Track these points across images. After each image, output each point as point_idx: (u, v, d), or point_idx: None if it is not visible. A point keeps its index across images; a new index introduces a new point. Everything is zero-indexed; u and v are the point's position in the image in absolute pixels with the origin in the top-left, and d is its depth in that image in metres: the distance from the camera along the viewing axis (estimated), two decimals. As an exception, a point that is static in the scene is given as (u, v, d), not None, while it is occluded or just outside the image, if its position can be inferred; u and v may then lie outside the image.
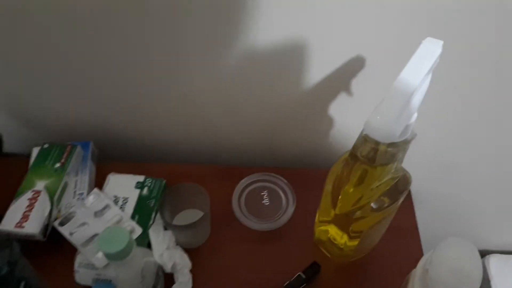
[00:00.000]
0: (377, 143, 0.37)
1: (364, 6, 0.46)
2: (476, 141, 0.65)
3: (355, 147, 0.41)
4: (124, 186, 0.59)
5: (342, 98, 0.58)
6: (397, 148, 0.39)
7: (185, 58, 0.54)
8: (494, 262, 0.86)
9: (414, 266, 0.47)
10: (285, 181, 0.59)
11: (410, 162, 0.46)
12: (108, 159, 0.66)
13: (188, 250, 0.54)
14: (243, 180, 0.59)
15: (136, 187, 0.58)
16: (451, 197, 0.77)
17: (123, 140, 0.70)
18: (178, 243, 0.53)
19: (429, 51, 0.36)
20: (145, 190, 0.58)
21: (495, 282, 0.83)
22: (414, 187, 0.54)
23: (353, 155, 0.42)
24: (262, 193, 0.58)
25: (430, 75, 0.37)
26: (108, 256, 0.38)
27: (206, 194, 0.53)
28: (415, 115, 0.38)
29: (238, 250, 0.56)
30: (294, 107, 0.61)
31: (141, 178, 0.59)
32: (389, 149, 0.38)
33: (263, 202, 0.58)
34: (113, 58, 0.55)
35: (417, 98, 0.36)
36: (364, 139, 0.38)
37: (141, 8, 0.48)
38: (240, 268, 0.55)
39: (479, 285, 0.30)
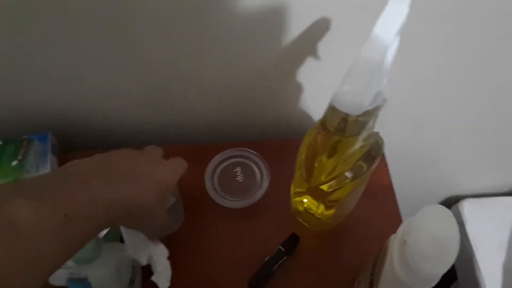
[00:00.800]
0: (346, 114, 0.35)
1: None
2: (444, 96, 0.65)
3: (324, 118, 0.39)
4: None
5: (310, 63, 0.56)
6: (368, 116, 0.37)
7: (142, 27, 0.50)
8: (467, 207, 0.89)
9: (392, 227, 0.47)
10: (258, 154, 0.57)
11: (380, 123, 0.45)
12: (70, 149, 0.62)
13: (164, 237, 0.52)
14: (214, 158, 0.57)
15: (103, 176, 0.55)
16: (423, 151, 0.78)
17: (84, 127, 0.66)
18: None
19: (396, 11, 0.33)
20: (112, 179, 0.55)
21: (469, 225, 0.86)
22: (386, 146, 0.54)
23: (323, 126, 0.40)
24: (235, 170, 0.57)
25: (398, 37, 0.34)
26: (75, 260, 0.36)
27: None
28: (385, 80, 0.36)
29: (215, 231, 0.55)
30: (262, 76, 0.59)
31: (107, 166, 0.56)
32: (360, 118, 0.37)
33: (237, 178, 0.56)
34: (64, 37, 0.51)
35: (386, 63, 0.34)
36: (332, 110, 0.37)
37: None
38: (219, 248, 0.54)
39: (457, 252, 0.30)
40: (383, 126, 0.46)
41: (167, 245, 0.51)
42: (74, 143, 0.66)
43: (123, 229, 0.50)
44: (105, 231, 0.50)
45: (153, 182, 0.37)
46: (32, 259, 0.26)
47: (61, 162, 0.60)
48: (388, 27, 0.32)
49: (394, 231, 0.45)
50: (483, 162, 0.84)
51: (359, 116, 0.36)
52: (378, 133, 0.45)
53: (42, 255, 0.26)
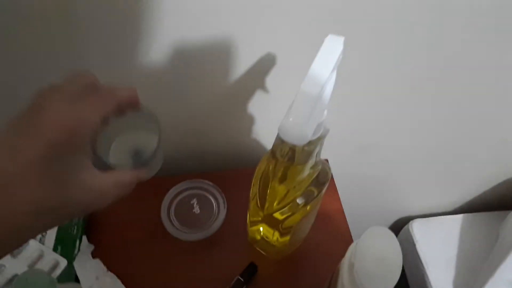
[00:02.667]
0: (293, 145, 0.38)
1: (276, 8, 0.47)
2: (388, 120, 0.69)
3: (273, 148, 0.42)
4: (41, 216, 0.54)
5: (259, 95, 0.59)
6: (313, 146, 0.40)
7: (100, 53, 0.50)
8: (417, 227, 0.94)
9: (345, 250, 0.49)
10: (214, 185, 0.58)
11: (328, 149, 0.48)
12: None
13: (120, 273, 0.51)
14: (170, 191, 0.58)
15: (55, 215, 0.54)
16: (371, 174, 0.82)
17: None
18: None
19: (332, 48, 0.36)
20: (65, 218, 0.54)
21: (419, 245, 0.91)
22: (335, 171, 0.56)
23: (273, 155, 0.42)
24: (192, 202, 0.57)
25: (335, 71, 0.38)
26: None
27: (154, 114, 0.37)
28: (325, 112, 0.39)
29: (173, 264, 0.55)
30: (214, 108, 0.61)
31: (58, 205, 0.55)
32: (305, 148, 0.39)
33: (194, 210, 0.56)
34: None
35: (325, 96, 0.37)
36: (280, 141, 0.39)
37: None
38: (178, 281, 0.54)
39: (400, 270, 0.32)
40: (330, 151, 0.49)
41: (124, 281, 0.51)
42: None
43: (77, 268, 0.49)
44: (61, 269, 0.49)
45: (26, 165, 0.24)
46: None
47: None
48: (325, 64, 0.35)
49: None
50: (429, 182, 0.90)
51: (304, 146, 0.38)
52: (325, 160, 0.48)
53: None
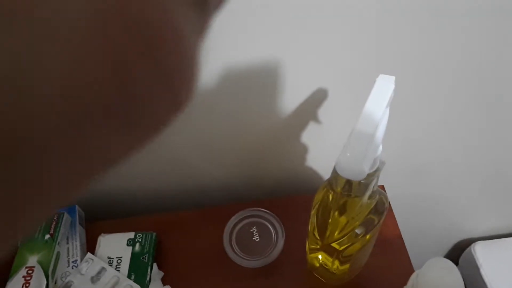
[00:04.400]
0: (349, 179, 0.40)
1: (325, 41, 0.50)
2: (440, 142, 0.69)
3: (330, 181, 0.44)
4: (116, 245, 0.59)
5: (312, 126, 0.61)
6: (370, 179, 0.41)
7: None
8: (480, 249, 0.90)
9: (404, 276, 0.49)
10: (272, 214, 0.61)
11: (383, 174, 0.49)
12: (94, 219, 0.67)
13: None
14: (231, 220, 0.61)
15: (128, 244, 0.59)
16: (427, 197, 0.81)
17: (106, 198, 0.71)
18: None
19: (384, 87, 0.39)
20: (137, 246, 0.59)
21: (484, 268, 0.87)
22: (391, 196, 0.57)
23: (330, 187, 0.44)
24: (251, 229, 0.60)
25: (388, 109, 0.39)
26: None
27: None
28: (380, 147, 0.40)
29: (237, 290, 0.58)
30: (267, 136, 0.64)
31: (131, 234, 0.60)
32: (362, 181, 0.41)
33: (254, 238, 0.59)
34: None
35: (379, 133, 0.39)
36: (337, 175, 0.41)
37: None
38: (241, 307, 0.56)
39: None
40: (386, 178, 0.50)
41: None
42: (98, 213, 0.70)
43: None
44: None
45: None
46: None
47: (88, 231, 0.63)
48: (378, 103, 0.37)
49: (406, 279, 0.48)
50: (489, 202, 0.87)
51: (361, 180, 0.40)
52: (382, 188, 0.49)
53: None
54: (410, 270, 0.57)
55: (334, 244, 0.47)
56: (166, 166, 0.67)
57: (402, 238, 0.62)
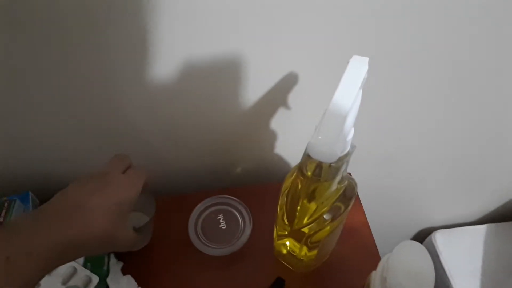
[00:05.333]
0: (320, 162, 0.39)
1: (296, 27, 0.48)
2: (408, 131, 0.70)
3: (301, 165, 0.43)
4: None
5: (282, 112, 0.60)
6: (340, 162, 0.41)
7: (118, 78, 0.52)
8: (440, 238, 0.93)
9: (371, 262, 0.49)
10: (239, 201, 0.60)
11: (351, 162, 0.49)
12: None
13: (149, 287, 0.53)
14: (197, 207, 0.59)
15: (86, 232, 0.56)
16: (392, 186, 0.82)
17: (63, 184, 0.66)
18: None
19: (357, 68, 0.38)
20: (96, 235, 0.56)
21: (443, 256, 0.90)
22: (358, 184, 0.57)
23: (301, 171, 0.43)
24: (218, 217, 0.58)
25: (361, 91, 0.39)
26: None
27: (152, 196, 0.55)
28: (352, 130, 0.40)
29: (201, 278, 0.56)
30: (236, 124, 0.62)
31: (89, 222, 0.57)
32: (333, 165, 0.40)
33: (220, 226, 0.58)
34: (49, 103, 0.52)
35: (352, 115, 0.38)
36: (308, 158, 0.40)
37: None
38: (206, 296, 0.55)
39: (433, 285, 0.33)
40: (354, 166, 0.49)
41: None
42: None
43: (110, 285, 0.51)
44: (94, 284, 0.51)
45: (103, 209, 0.37)
46: None
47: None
48: (351, 84, 0.36)
49: (373, 266, 0.48)
50: (451, 192, 0.89)
51: (332, 163, 0.39)
52: (350, 175, 0.49)
53: None
54: (376, 256, 0.58)
55: (303, 229, 0.46)
56: (131, 152, 0.63)
57: (368, 226, 0.62)
